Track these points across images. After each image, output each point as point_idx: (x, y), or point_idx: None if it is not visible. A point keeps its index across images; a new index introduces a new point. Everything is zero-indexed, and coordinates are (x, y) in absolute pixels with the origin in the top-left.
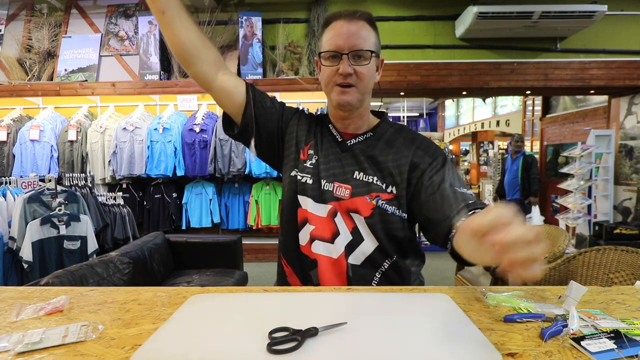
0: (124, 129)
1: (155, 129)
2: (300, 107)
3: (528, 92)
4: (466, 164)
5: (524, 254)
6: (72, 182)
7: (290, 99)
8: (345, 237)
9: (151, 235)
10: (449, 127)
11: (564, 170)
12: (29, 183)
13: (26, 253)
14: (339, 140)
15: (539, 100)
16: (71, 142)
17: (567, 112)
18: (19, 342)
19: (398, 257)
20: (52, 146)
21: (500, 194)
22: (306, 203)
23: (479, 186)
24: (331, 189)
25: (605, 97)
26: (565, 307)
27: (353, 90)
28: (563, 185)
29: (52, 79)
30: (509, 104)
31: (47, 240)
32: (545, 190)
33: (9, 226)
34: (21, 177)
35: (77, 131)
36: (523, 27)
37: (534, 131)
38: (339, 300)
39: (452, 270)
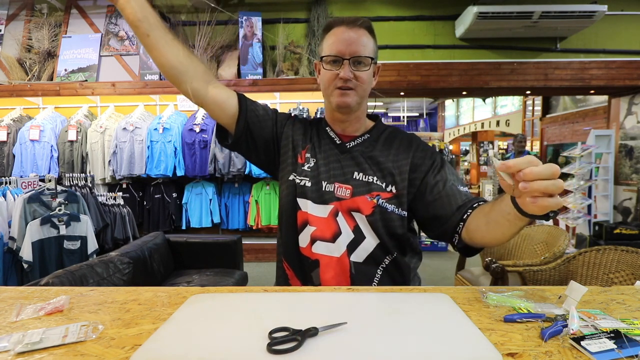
0: (124, 129)
1: (155, 129)
2: (294, 113)
3: (528, 92)
4: (466, 164)
5: (546, 184)
6: (72, 182)
7: (290, 99)
8: (347, 235)
9: (151, 235)
10: (449, 127)
11: (564, 170)
12: (29, 183)
13: (26, 253)
14: (338, 142)
15: (539, 100)
16: (71, 142)
17: (567, 112)
18: (19, 342)
19: (398, 254)
20: (52, 146)
21: (501, 193)
22: (306, 205)
23: (479, 186)
24: (332, 190)
25: (605, 97)
26: (565, 307)
27: (352, 93)
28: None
29: (52, 79)
30: (509, 104)
31: (47, 240)
32: None
33: (9, 226)
34: (21, 177)
35: (77, 131)
36: (523, 27)
37: (534, 131)
38: (339, 300)
39: (452, 270)
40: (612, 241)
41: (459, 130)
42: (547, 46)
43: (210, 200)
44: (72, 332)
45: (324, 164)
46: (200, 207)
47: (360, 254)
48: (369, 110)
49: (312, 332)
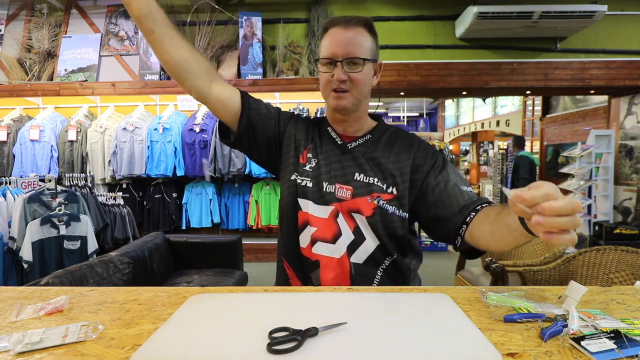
0: (124, 129)
1: (155, 129)
2: (296, 112)
3: (528, 92)
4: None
5: (564, 221)
6: (72, 182)
7: (290, 99)
8: (347, 237)
9: (151, 235)
10: (449, 127)
11: (564, 170)
12: (29, 183)
13: (26, 253)
14: (339, 143)
15: (539, 100)
16: (71, 142)
17: (567, 112)
18: (19, 342)
19: (398, 255)
20: (52, 146)
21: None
22: (307, 206)
23: (478, 186)
24: (333, 191)
25: (605, 97)
26: (565, 307)
27: (348, 95)
28: (563, 185)
29: (52, 79)
30: (509, 104)
31: (47, 240)
32: None
33: (9, 226)
34: (21, 177)
35: (77, 131)
36: (523, 27)
37: (534, 131)
38: (339, 300)
39: (452, 270)
40: (612, 241)
41: (459, 130)
42: (547, 46)
43: (210, 200)
44: (72, 332)
45: (325, 165)
46: (200, 207)
47: (360, 256)
48: (370, 111)
49: (312, 332)
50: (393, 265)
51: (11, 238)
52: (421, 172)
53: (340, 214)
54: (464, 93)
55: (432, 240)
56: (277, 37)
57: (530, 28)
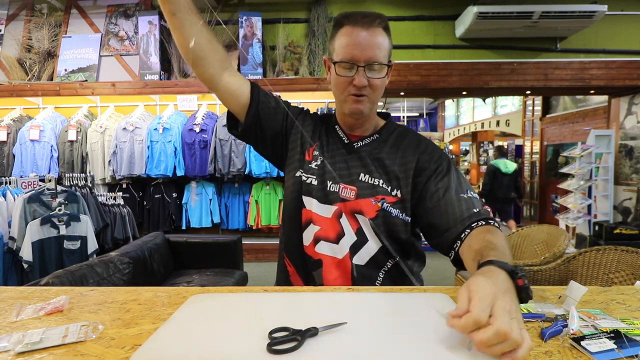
0: (124, 129)
1: (155, 129)
2: (305, 108)
3: (528, 92)
4: (466, 164)
5: (501, 347)
6: (72, 182)
7: (290, 99)
8: (350, 237)
9: (151, 235)
10: (449, 127)
11: (564, 170)
12: (29, 183)
13: (26, 253)
14: (346, 142)
15: (539, 100)
16: (71, 142)
17: (567, 112)
18: (19, 342)
19: (401, 258)
20: (52, 146)
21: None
22: (311, 204)
23: (478, 186)
24: (337, 190)
25: (605, 97)
26: (565, 307)
27: (366, 99)
28: (563, 185)
29: (52, 79)
30: (509, 104)
31: (47, 240)
32: (546, 190)
33: (9, 226)
34: (21, 177)
35: (77, 131)
36: (523, 27)
37: (534, 131)
38: (339, 300)
39: (452, 270)
40: (612, 241)
41: (459, 130)
42: (547, 46)
43: (210, 200)
44: (72, 332)
45: (331, 164)
46: (200, 207)
47: (362, 257)
48: (379, 110)
49: (312, 332)
50: (395, 268)
51: (11, 238)
52: (424, 176)
53: (344, 214)
54: (464, 93)
55: None
56: (277, 37)
57: (530, 28)
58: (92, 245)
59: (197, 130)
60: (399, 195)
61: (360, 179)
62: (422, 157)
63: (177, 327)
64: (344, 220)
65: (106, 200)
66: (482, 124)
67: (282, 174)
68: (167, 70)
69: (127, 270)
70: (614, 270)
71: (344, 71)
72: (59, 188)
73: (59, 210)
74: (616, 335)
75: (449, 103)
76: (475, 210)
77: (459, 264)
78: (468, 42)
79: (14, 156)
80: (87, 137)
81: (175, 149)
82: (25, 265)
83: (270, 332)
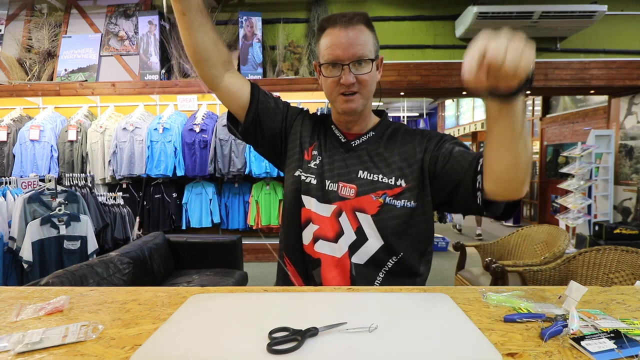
0: (124, 129)
1: (155, 129)
2: (305, 108)
3: (528, 92)
4: None
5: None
6: (72, 182)
7: (290, 99)
8: (349, 236)
9: (151, 235)
10: (449, 127)
11: (564, 170)
12: (29, 183)
13: (26, 253)
14: (343, 141)
15: (539, 100)
16: (71, 142)
17: (567, 112)
18: (19, 342)
19: (405, 254)
20: (52, 146)
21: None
22: (310, 203)
23: None
24: (336, 189)
25: (605, 97)
26: (565, 307)
27: (357, 96)
28: (563, 185)
29: (52, 79)
30: None
31: (47, 240)
32: (546, 190)
33: (9, 226)
34: (21, 177)
35: (77, 131)
36: (523, 27)
37: (534, 131)
38: (339, 300)
39: (452, 270)
40: (612, 241)
41: (459, 130)
42: (547, 46)
43: (210, 200)
44: (72, 332)
45: (329, 163)
46: (200, 207)
47: (361, 256)
48: (374, 107)
49: (312, 332)
50: (397, 267)
51: (11, 238)
52: (427, 153)
53: (344, 213)
54: (464, 93)
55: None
56: (277, 37)
57: (530, 28)
58: (92, 245)
59: (197, 130)
60: (403, 184)
61: (359, 176)
62: (422, 140)
63: (177, 327)
64: (343, 219)
65: (106, 200)
66: (482, 124)
67: (282, 174)
68: (167, 70)
69: (127, 270)
70: (614, 270)
71: (330, 72)
72: (59, 188)
73: (59, 210)
74: (616, 335)
75: (449, 103)
76: (478, 153)
77: (490, 206)
78: (468, 42)
79: (14, 156)
80: (87, 137)
81: (175, 149)
82: (25, 265)
83: (270, 332)
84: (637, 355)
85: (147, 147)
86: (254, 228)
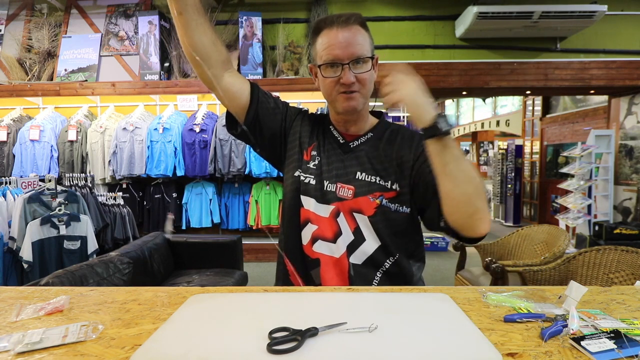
0: (124, 129)
1: (155, 129)
2: (304, 108)
3: (528, 92)
4: None
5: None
6: (72, 182)
7: (290, 99)
8: (347, 236)
9: (151, 235)
10: None
11: (564, 170)
12: (29, 183)
13: (26, 253)
14: (341, 142)
15: (539, 100)
16: (71, 142)
17: (567, 112)
18: (19, 342)
19: (401, 256)
20: (52, 146)
21: None
22: (309, 203)
23: None
24: (334, 190)
25: (605, 97)
26: (565, 307)
27: (357, 95)
28: (563, 185)
29: (52, 79)
30: (509, 104)
31: (47, 240)
32: (546, 190)
33: (9, 226)
34: (21, 177)
35: (77, 131)
36: (523, 27)
37: (534, 131)
38: (339, 300)
39: (452, 270)
40: (612, 241)
41: (459, 130)
42: (547, 46)
43: (210, 200)
44: (72, 332)
45: (327, 164)
46: (200, 207)
47: (359, 256)
48: (371, 107)
49: (312, 332)
50: (394, 268)
51: (11, 238)
52: (418, 162)
53: (342, 214)
54: (464, 93)
55: (432, 240)
56: (277, 37)
57: (530, 28)
58: (92, 245)
59: (197, 130)
60: (397, 188)
61: (357, 177)
62: (418, 147)
63: (177, 327)
64: (341, 220)
65: (106, 200)
66: (482, 124)
67: (282, 174)
68: (167, 70)
69: (127, 270)
70: (614, 270)
71: (330, 72)
72: (59, 188)
73: (59, 210)
74: (616, 335)
75: (449, 103)
76: None
77: (451, 231)
78: (468, 42)
79: (14, 156)
80: (87, 137)
81: (175, 149)
82: (25, 265)
83: (270, 332)
84: (637, 355)
85: (147, 147)
86: (254, 228)
